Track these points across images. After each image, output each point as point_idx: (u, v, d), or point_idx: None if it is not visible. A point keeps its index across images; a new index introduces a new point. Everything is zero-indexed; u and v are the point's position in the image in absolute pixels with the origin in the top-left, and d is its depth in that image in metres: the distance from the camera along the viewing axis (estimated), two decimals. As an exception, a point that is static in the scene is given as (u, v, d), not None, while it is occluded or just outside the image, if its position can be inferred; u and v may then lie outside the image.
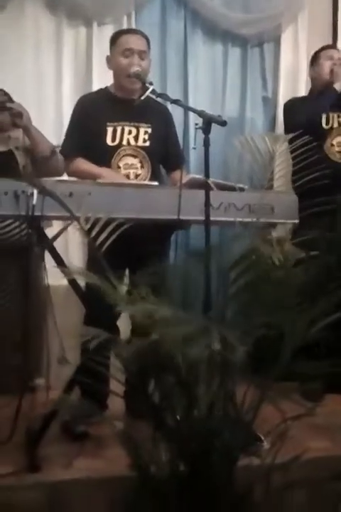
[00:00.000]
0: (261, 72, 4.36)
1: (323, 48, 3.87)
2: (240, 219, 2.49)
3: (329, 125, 3.77)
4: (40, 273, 2.49)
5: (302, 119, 3.59)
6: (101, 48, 3.79)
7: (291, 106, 3.87)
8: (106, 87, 3.17)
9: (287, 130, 3.64)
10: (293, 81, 4.27)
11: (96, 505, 2.20)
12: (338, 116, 3.78)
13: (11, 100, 3.49)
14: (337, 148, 3.73)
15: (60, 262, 2.37)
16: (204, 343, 1.24)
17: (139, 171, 3.01)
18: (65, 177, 2.96)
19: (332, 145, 3.74)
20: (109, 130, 3.01)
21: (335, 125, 3.78)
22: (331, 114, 3.78)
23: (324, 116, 3.76)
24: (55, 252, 2.40)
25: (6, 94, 3.46)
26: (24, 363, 2.55)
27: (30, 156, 3.05)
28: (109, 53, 3.11)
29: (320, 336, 1.73)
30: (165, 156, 3.16)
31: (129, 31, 3.22)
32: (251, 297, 1.63)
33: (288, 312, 1.64)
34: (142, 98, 2.74)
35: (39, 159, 2.96)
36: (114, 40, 3.08)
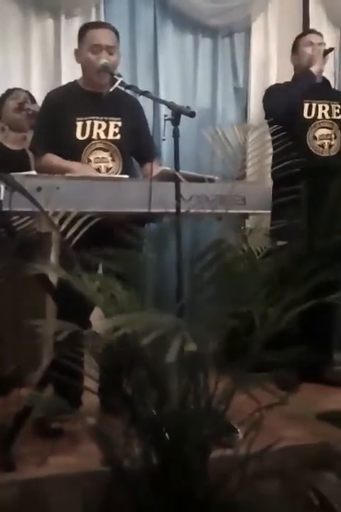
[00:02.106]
0: (231, 63, 4.36)
1: (303, 34, 3.86)
2: (211, 210, 2.48)
3: (312, 115, 3.69)
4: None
5: (278, 106, 3.57)
6: (70, 41, 3.73)
7: (269, 93, 3.83)
8: (75, 81, 3.14)
9: (267, 118, 3.62)
10: (264, 71, 4.27)
11: (71, 501, 2.18)
12: (323, 108, 3.71)
13: (33, 101, 3.49)
14: (319, 142, 3.64)
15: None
16: (176, 345, 1.23)
17: (110, 165, 2.99)
18: (33, 171, 2.93)
19: (315, 137, 3.65)
20: (79, 124, 2.99)
21: (319, 116, 3.69)
22: (314, 103, 3.71)
23: (306, 105, 3.69)
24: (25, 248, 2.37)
25: (30, 95, 3.47)
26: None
27: None
28: (77, 46, 3.08)
29: (290, 325, 1.73)
30: (136, 149, 3.14)
31: (97, 25, 3.17)
32: (219, 288, 1.63)
33: (257, 302, 1.63)
34: (111, 90, 2.72)
35: None
36: (82, 34, 3.04)
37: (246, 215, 2.90)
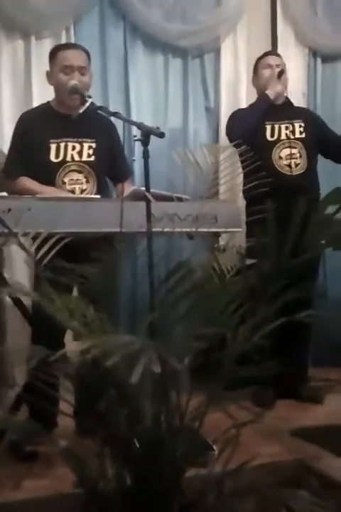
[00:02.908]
0: (202, 83, 4.39)
1: (262, 56, 3.88)
2: (182, 229, 2.49)
3: (275, 137, 3.71)
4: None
5: (235, 132, 3.58)
6: (41, 62, 3.75)
7: (229, 120, 3.87)
8: (48, 102, 3.15)
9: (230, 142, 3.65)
10: (234, 91, 4.31)
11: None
12: (286, 128, 3.72)
13: None
14: (285, 161, 3.65)
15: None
16: (141, 365, 1.23)
17: (85, 186, 3.00)
18: (3, 193, 2.92)
19: (280, 157, 3.66)
20: (53, 147, 2.99)
21: (282, 137, 3.70)
22: (277, 125, 3.73)
23: (268, 127, 3.71)
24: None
25: None
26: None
27: None
28: (48, 68, 3.08)
29: (263, 342, 1.74)
30: (111, 169, 3.15)
31: (68, 46, 3.18)
32: (189, 307, 1.63)
33: (227, 320, 1.64)
34: (80, 112, 2.72)
35: None
36: (53, 55, 3.05)
37: (218, 234, 2.92)
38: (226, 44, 4.38)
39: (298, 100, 4.42)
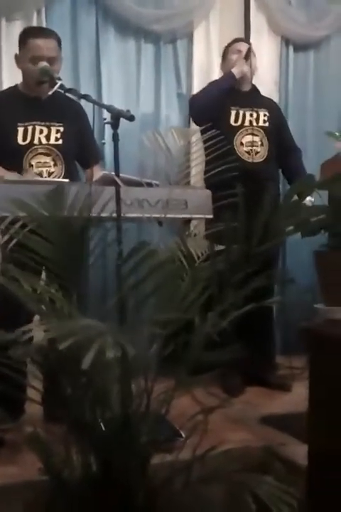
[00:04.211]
0: (174, 69, 4.37)
1: (231, 43, 3.89)
2: (152, 215, 2.47)
3: (239, 122, 3.71)
4: None
5: (199, 106, 3.64)
6: (11, 44, 3.71)
7: (191, 100, 3.90)
8: (16, 86, 3.11)
9: (195, 124, 3.64)
10: (206, 77, 4.26)
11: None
12: (250, 115, 3.73)
13: None
14: (245, 148, 3.66)
15: None
16: (93, 351, 1.22)
17: (52, 169, 2.98)
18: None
19: (242, 144, 3.66)
20: (20, 130, 2.96)
21: (246, 123, 3.71)
22: (241, 111, 3.73)
23: (233, 112, 3.72)
24: None
25: None
26: None
27: None
28: (17, 51, 3.03)
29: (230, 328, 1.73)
30: (79, 153, 3.13)
31: (39, 34, 3.03)
32: (152, 289, 1.62)
33: (192, 304, 1.64)
34: (50, 93, 2.68)
35: None
36: (23, 41, 2.98)
37: (189, 221, 2.91)
38: (199, 30, 4.36)
39: (269, 89, 4.44)
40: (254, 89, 3.89)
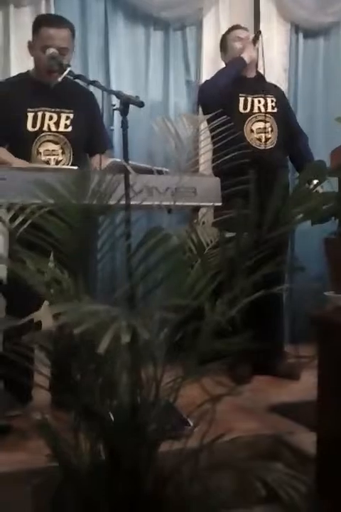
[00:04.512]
0: (183, 56, 4.34)
1: (229, 31, 3.86)
2: (162, 203, 2.46)
3: (248, 109, 3.68)
4: None
5: (211, 92, 3.59)
6: (19, 31, 3.71)
7: (202, 87, 3.86)
8: (27, 72, 3.10)
9: (204, 113, 3.61)
10: (215, 64, 4.22)
11: (20, 499, 2.15)
12: (259, 101, 3.71)
13: None
14: (256, 135, 3.62)
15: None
16: (109, 336, 1.21)
17: (60, 157, 2.98)
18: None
19: (252, 131, 3.63)
20: (30, 116, 2.96)
21: (255, 110, 3.68)
22: (250, 98, 3.71)
23: (241, 100, 3.69)
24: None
25: None
26: None
27: None
28: (27, 36, 3.03)
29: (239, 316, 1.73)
30: (88, 141, 3.11)
31: (53, 23, 3.00)
32: (164, 275, 1.61)
33: (203, 291, 1.63)
34: (59, 80, 2.68)
35: None
36: (37, 28, 2.97)
37: (198, 208, 2.90)
38: (208, 17, 4.33)
39: (279, 76, 4.42)
40: (259, 76, 3.87)
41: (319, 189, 3.00)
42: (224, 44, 3.86)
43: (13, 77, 3.31)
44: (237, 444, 2.15)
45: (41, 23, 3.00)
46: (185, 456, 1.81)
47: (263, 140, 3.62)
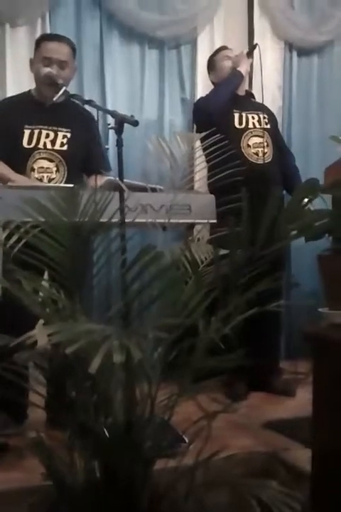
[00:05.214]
0: (178, 74, 4.39)
1: (216, 52, 3.91)
2: (156, 220, 2.47)
3: (243, 125, 3.71)
4: None
5: (214, 103, 3.62)
6: (15, 50, 3.73)
7: (198, 103, 3.88)
8: (29, 91, 3.15)
9: (198, 130, 3.63)
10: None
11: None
12: (253, 117, 3.74)
13: None
14: (253, 150, 3.64)
15: None
16: (104, 353, 1.21)
17: (53, 175, 2.99)
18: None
19: (249, 146, 3.65)
20: (26, 132, 2.99)
21: (250, 125, 3.71)
22: (244, 113, 3.74)
23: (236, 115, 3.72)
24: None
25: None
26: None
27: None
28: (23, 55, 3.12)
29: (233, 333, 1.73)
30: (85, 162, 3.12)
31: (52, 38, 3.11)
32: (158, 293, 1.62)
33: (197, 308, 1.63)
34: (54, 99, 2.70)
35: None
36: (38, 44, 3.05)
37: (193, 225, 2.90)
38: (202, 36, 4.38)
39: (273, 93, 4.45)
40: (249, 94, 3.92)
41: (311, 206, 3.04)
42: (212, 65, 3.90)
43: (16, 95, 3.34)
44: (232, 461, 2.16)
45: (43, 38, 3.10)
46: (181, 473, 1.80)
47: (260, 154, 3.64)
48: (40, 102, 3.05)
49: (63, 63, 2.96)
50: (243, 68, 3.73)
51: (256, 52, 3.81)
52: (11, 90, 3.60)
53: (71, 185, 2.72)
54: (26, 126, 2.99)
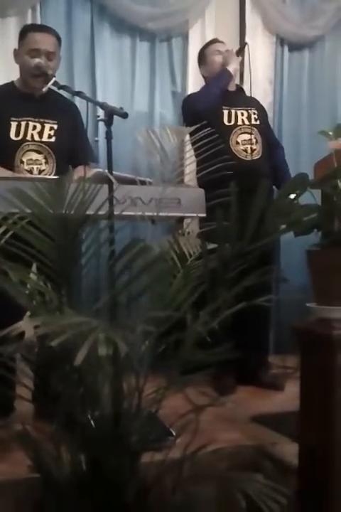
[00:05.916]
0: (169, 67, 4.38)
1: (208, 45, 3.88)
2: (146, 213, 2.46)
3: (232, 122, 3.69)
4: None
5: (204, 101, 3.59)
6: (5, 41, 3.71)
7: (187, 99, 3.86)
8: (12, 82, 3.10)
9: (187, 126, 3.60)
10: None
11: (2, 509, 2.13)
12: (241, 114, 3.72)
13: None
14: (242, 146, 3.63)
15: None
16: (89, 345, 1.21)
17: (43, 167, 2.97)
18: None
19: (237, 142, 3.63)
20: (13, 125, 2.95)
21: (239, 122, 3.69)
22: (233, 110, 3.71)
23: (225, 112, 3.69)
24: None
25: None
26: None
27: None
28: (13, 46, 3.05)
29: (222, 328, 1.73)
30: (71, 153, 3.10)
31: (38, 28, 3.09)
32: (145, 286, 1.62)
33: (184, 302, 1.63)
34: (44, 90, 2.68)
35: None
36: (23, 35, 3.00)
37: (182, 219, 2.90)
38: (194, 29, 4.37)
39: (264, 88, 4.45)
40: (239, 89, 3.90)
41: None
42: (202, 58, 3.87)
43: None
44: (220, 454, 2.16)
45: (28, 29, 3.04)
46: (168, 466, 1.81)
47: (249, 151, 3.64)
48: (25, 93, 3.01)
49: (51, 54, 2.93)
50: (232, 67, 3.71)
51: (246, 49, 3.78)
52: (1, 81, 3.56)
53: (56, 177, 2.74)
54: (12, 118, 2.95)
